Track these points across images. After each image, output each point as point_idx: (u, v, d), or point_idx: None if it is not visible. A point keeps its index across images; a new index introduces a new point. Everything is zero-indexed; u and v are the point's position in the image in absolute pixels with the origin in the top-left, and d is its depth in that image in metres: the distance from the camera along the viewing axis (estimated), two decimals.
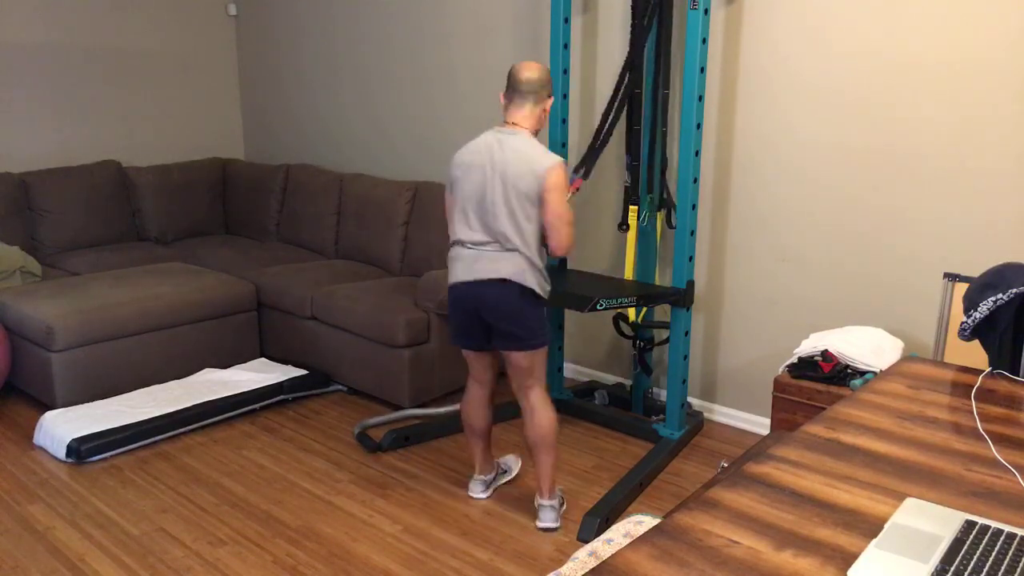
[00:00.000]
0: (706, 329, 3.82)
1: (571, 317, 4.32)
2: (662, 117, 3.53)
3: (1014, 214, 2.96)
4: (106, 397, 3.87)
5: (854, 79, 3.23)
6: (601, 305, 3.10)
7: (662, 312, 3.89)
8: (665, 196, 3.63)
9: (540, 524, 2.93)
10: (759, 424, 3.72)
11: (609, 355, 4.23)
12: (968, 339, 2.14)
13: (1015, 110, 2.90)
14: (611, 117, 3.52)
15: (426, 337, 3.86)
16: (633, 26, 3.51)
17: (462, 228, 2.78)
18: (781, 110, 3.44)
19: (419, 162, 4.91)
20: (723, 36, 3.54)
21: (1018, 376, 2.05)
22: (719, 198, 3.68)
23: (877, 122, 3.21)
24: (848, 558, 1.25)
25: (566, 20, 3.67)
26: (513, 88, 2.78)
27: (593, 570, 1.23)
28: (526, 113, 2.79)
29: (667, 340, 3.57)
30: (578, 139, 4.09)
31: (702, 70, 3.24)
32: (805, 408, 2.96)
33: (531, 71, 2.77)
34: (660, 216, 3.66)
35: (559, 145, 3.74)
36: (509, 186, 2.69)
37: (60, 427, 3.45)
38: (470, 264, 2.77)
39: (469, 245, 2.77)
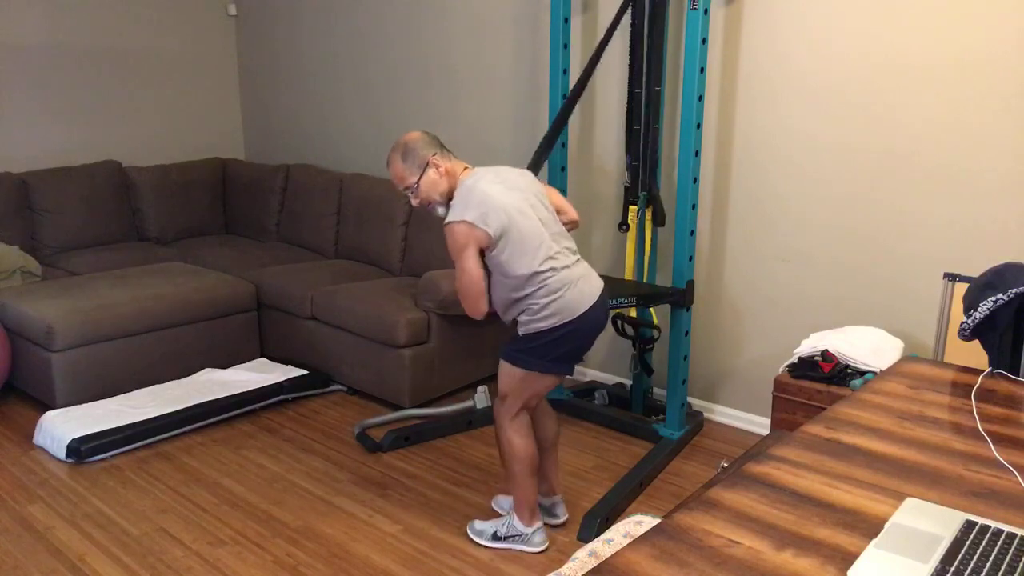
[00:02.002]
0: (706, 329, 3.82)
1: None
2: (654, 115, 3.53)
3: (1014, 214, 2.96)
4: (106, 397, 3.87)
5: (854, 79, 3.23)
6: None
7: (656, 312, 3.89)
8: (654, 193, 3.62)
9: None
10: (759, 424, 3.72)
11: (609, 355, 4.23)
12: (968, 339, 2.14)
13: (1015, 110, 2.90)
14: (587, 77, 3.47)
15: (426, 337, 3.86)
16: (632, 24, 3.51)
17: (552, 254, 2.58)
18: (781, 110, 3.44)
19: None
20: (723, 36, 3.54)
21: (1018, 376, 2.05)
22: (719, 198, 3.68)
23: (877, 122, 3.21)
24: (848, 558, 1.25)
25: (566, 20, 3.67)
26: (445, 147, 2.66)
27: (593, 570, 1.23)
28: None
29: (657, 338, 3.57)
30: (577, 139, 4.09)
31: (702, 70, 3.24)
32: (805, 408, 2.96)
33: None
34: (648, 213, 3.64)
35: (559, 145, 3.74)
36: (544, 199, 2.67)
37: (60, 427, 3.45)
38: (591, 280, 2.65)
39: (570, 264, 2.63)
